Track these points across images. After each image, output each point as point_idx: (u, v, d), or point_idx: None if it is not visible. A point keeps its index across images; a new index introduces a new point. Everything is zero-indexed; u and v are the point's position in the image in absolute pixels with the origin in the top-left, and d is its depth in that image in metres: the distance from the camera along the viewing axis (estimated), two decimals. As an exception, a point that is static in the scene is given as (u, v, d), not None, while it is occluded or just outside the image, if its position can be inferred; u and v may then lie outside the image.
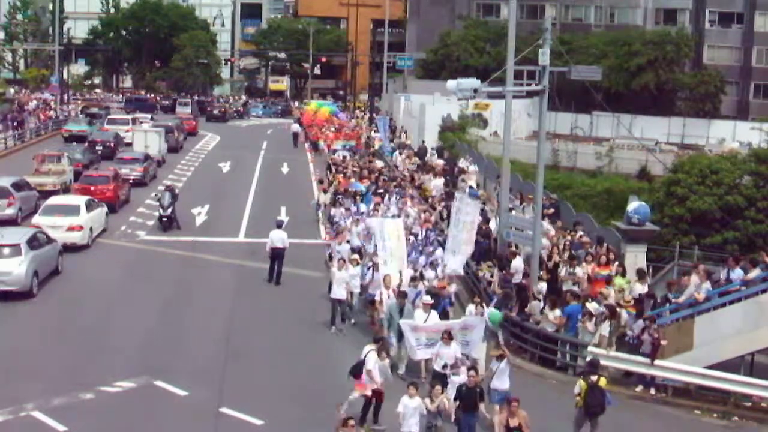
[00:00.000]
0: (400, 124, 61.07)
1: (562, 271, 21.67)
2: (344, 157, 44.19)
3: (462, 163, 38.59)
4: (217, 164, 49.23)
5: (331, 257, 23.70)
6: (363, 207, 29.43)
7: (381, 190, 32.69)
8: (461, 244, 22.35)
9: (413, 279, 20.79)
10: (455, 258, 22.42)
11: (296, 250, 26.84)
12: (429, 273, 22.06)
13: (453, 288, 21.52)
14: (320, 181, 36.79)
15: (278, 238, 25.22)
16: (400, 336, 18.39)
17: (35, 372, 17.88)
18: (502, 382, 15.70)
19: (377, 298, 20.25)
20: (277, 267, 25.24)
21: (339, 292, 21.20)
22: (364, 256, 23.27)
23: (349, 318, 21.73)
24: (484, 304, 19.03)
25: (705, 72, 71.41)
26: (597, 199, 43.95)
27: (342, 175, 36.28)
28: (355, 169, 37.81)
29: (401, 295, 19.24)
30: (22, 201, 31.20)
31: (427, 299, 18.83)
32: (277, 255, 25.17)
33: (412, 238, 25.02)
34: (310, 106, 70.10)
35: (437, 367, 16.73)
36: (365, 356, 15.66)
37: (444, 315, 19.74)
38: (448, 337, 16.65)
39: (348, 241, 24.86)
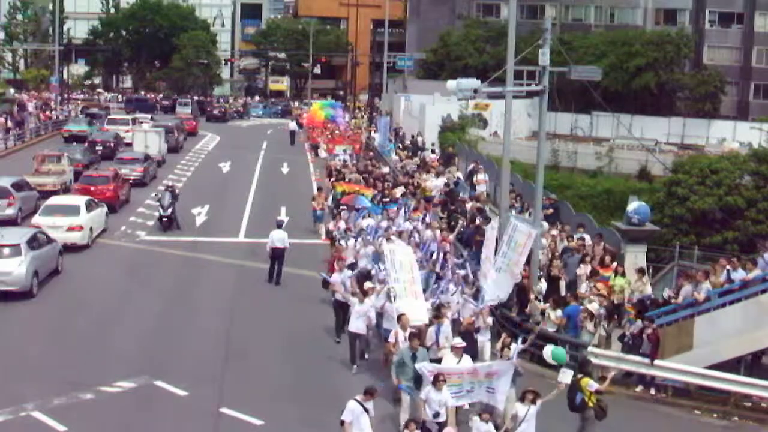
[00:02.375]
0: (400, 124, 60.98)
1: (583, 287, 20.84)
2: (344, 161, 42.93)
3: (480, 166, 36.45)
4: (217, 164, 49.25)
5: (326, 282, 21.51)
6: (369, 222, 26.17)
7: (387, 199, 30.55)
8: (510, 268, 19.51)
9: (436, 316, 17.92)
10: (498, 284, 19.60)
11: (296, 250, 26.83)
12: (452, 299, 19.41)
13: (489, 321, 18.77)
14: (319, 189, 34.46)
15: (278, 238, 25.10)
16: (416, 383, 15.59)
17: (35, 372, 17.88)
18: (529, 429, 14.11)
19: (391, 339, 17.35)
20: (277, 267, 25.15)
21: (358, 326, 18.64)
22: (374, 279, 20.68)
23: (365, 354, 19.26)
24: (513, 344, 16.25)
25: (705, 72, 71.41)
26: (597, 199, 44.01)
27: (343, 181, 34.36)
28: (356, 175, 36.14)
29: (413, 337, 16.32)
30: (22, 201, 31.19)
31: (458, 342, 16.15)
32: (277, 255, 25.05)
33: (420, 253, 22.42)
34: (313, 107, 69.40)
35: (427, 417, 14.55)
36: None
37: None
38: (442, 380, 14.46)
39: (353, 264, 22.51)
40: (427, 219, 26.77)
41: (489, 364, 15.63)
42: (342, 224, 26.63)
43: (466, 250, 24.07)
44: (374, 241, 23.62)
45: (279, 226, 25.94)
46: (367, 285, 19.62)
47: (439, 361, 16.27)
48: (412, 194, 31.57)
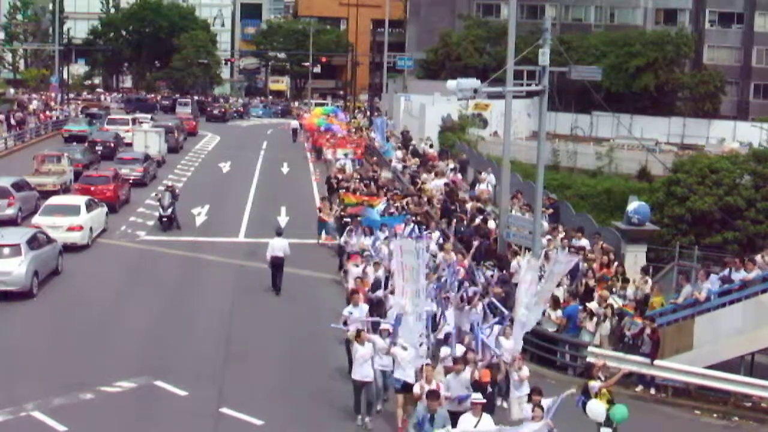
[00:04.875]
0: (402, 125, 60.88)
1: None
2: (343, 166, 40.47)
3: (482, 176, 34.45)
4: (217, 164, 49.25)
5: (346, 323, 18.02)
6: (368, 241, 24.23)
7: (392, 211, 28.47)
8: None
9: (455, 361, 15.29)
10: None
11: (297, 250, 26.76)
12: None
13: (525, 372, 15.83)
14: (323, 198, 32.84)
15: (279, 246, 24.10)
16: None
17: (35, 372, 17.88)
18: None
19: (417, 390, 14.54)
20: (279, 276, 24.19)
21: (362, 373, 15.89)
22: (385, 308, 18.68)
23: (376, 404, 16.43)
24: (544, 401, 13.79)
25: (705, 72, 71.46)
26: (597, 199, 44.02)
27: (346, 191, 32.12)
28: (358, 184, 33.79)
29: (432, 396, 13.79)
30: (22, 201, 31.20)
31: (477, 397, 13.70)
32: (277, 264, 24.08)
33: (434, 283, 19.37)
34: (314, 112, 68.50)
35: None
36: None
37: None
38: None
39: (369, 293, 19.78)
40: (440, 239, 24.43)
41: (517, 428, 13.44)
42: (354, 240, 24.96)
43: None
44: (383, 261, 21.55)
45: (279, 233, 24.82)
46: (383, 326, 16.70)
47: (456, 416, 13.96)
48: (417, 205, 29.79)
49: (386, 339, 15.97)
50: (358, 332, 16.12)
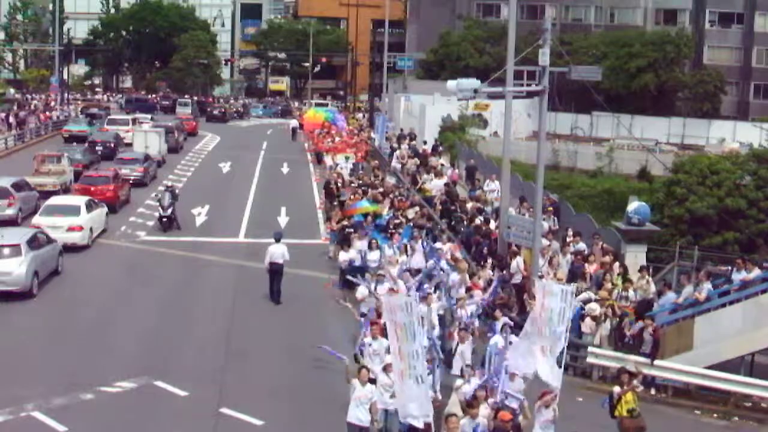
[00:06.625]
0: (400, 124, 60.83)
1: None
2: (341, 172, 38.20)
3: (487, 186, 32.86)
4: (217, 164, 49.26)
5: (361, 353, 16.40)
6: (374, 255, 22.86)
7: (397, 220, 26.62)
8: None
9: (470, 404, 13.71)
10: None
11: (297, 251, 26.73)
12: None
13: (553, 411, 13.83)
14: (333, 205, 31.76)
15: (278, 253, 23.22)
16: None
17: (35, 372, 17.87)
18: None
19: None
20: (276, 284, 23.34)
21: (359, 416, 13.98)
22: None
23: None
24: None
25: (705, 72, 71.45)
26: (597, 199, 44.01)
27: (351, 198, 30.23)
28: (357, 189, 31.99)
29: None
30: (22, 201, 31.19)
31: None
32: (276, 270, 23.24)
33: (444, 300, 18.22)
34: (308, 112, 68.32)
35: None
36: None
37: None
38: None
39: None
40: (457, 254, 22.88)
41: None
42: (354, 253, 23.48)
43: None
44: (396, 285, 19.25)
45: (277, 239, 23.65)
46: (387, 359, 14.70)
47: None
48: (427, 217, 28.20)
49: (390, 375, 14.06)
50: (360, 369, 14.24)
